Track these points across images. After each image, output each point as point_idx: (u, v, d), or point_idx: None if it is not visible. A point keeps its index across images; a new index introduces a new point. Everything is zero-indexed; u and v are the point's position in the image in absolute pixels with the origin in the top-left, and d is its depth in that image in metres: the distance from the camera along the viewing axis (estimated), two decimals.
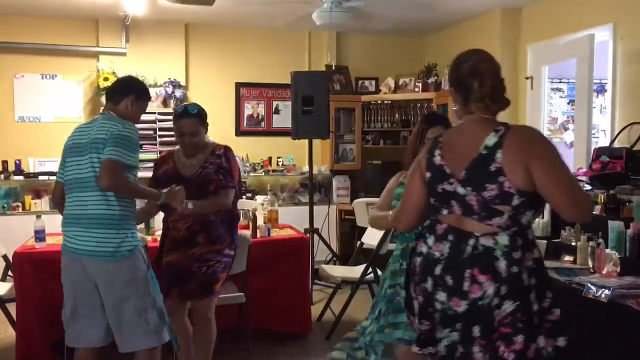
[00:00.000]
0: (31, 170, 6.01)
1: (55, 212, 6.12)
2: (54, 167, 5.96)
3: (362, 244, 4.92)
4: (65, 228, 2.82)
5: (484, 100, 1.98)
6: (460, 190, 1.94)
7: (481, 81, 1.97)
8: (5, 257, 4.27)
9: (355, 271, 4.65)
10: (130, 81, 3.07)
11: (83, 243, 2.71)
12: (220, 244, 3.23)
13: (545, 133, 5.58)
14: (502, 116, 2.05)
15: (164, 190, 2.96)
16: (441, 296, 1.95)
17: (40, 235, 3.86)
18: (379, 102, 6.74)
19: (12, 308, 3.92)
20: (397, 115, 6.70)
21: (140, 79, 6.30)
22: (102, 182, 2.66)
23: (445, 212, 2.01)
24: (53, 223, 4.52)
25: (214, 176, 3.20)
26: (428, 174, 2.04)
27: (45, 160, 6.03)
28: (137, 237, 2.82)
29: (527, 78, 5.61)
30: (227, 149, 3.35)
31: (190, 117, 3.24)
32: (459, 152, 1.98)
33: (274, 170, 6.64)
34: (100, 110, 2.98)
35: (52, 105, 6.14)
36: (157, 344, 2.82)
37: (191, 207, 3.05)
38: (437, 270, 1.96)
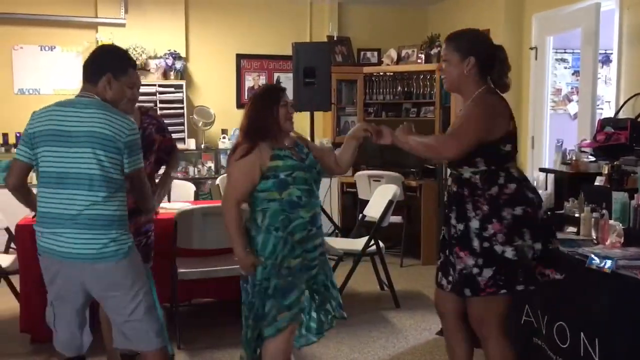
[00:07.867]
0: None
1: None
2: None
3: (364, 216, 4.92)
4: (49, 229, 2.38)
5: None
6: None
7: None
8: (7, 229, 4.26)
9: (357, 244, 4.65)
10: (103, 55, 2.61)
11: (81, 246, 2.35)
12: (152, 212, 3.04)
13: (549, 104, 5.54)
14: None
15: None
16: None
17: None
18: (381, 73, 6.67)
19: (15, 280, 3.95)
20: (399, 87, 6.63)
21: (139, 50, 6.15)
22: (136, 192, 2.53)
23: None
24: None
25: (155, 136, 3.05)
26: None
27: None
28: (130, 234, 2.52)
29: (531, 48, 5.53)
30: (153, 109, 3.16)
31: (136, 69, 2.83)
32: None
33: None
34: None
35: (52, 77, 6.08)
36: (165, 344, 2.62)
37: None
38: None
